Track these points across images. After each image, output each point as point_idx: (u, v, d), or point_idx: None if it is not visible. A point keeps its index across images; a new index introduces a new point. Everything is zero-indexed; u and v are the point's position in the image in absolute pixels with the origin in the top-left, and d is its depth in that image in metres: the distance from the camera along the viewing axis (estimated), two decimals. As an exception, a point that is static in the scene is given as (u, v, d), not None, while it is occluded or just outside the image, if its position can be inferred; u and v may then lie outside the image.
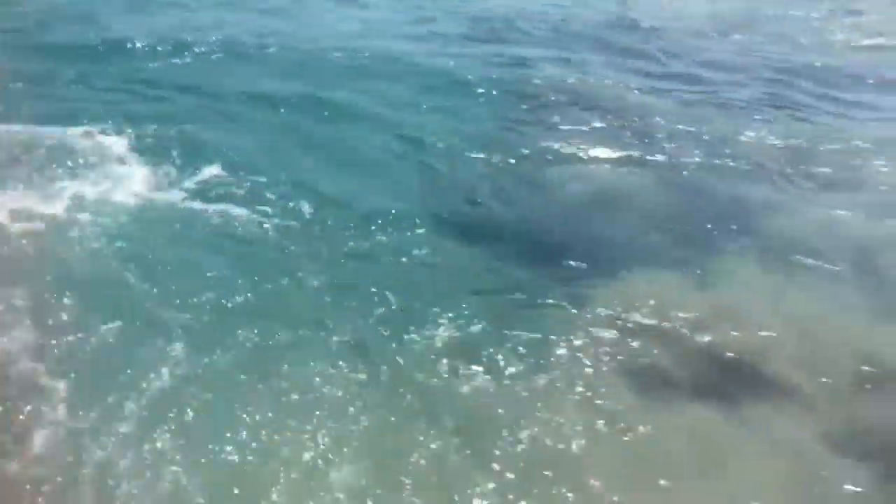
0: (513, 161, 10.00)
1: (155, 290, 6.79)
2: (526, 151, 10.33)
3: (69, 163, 8.80)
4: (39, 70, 11.77)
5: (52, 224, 7.62)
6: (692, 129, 11.45)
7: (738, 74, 14.84)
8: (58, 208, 7.82)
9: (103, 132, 9.67)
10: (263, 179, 8.81)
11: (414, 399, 5.84)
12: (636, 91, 13.10)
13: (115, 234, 7.55)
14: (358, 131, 10.56)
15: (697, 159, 10.49)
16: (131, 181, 8.56)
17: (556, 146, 10.55)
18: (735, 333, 6.76)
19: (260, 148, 9.78)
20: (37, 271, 6.85)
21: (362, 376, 6.00)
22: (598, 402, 5.90)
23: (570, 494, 5.15)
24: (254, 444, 5.31)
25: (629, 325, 6.80)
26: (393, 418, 5.67)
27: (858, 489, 5.30)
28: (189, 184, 8.64)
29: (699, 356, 6.54)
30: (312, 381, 5.90)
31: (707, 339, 6.71)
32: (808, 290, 7.52)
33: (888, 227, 8.94)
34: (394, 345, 6.36)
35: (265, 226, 7.96)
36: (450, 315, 6.71)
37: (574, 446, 5.49)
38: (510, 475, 5.25)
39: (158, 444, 5.21)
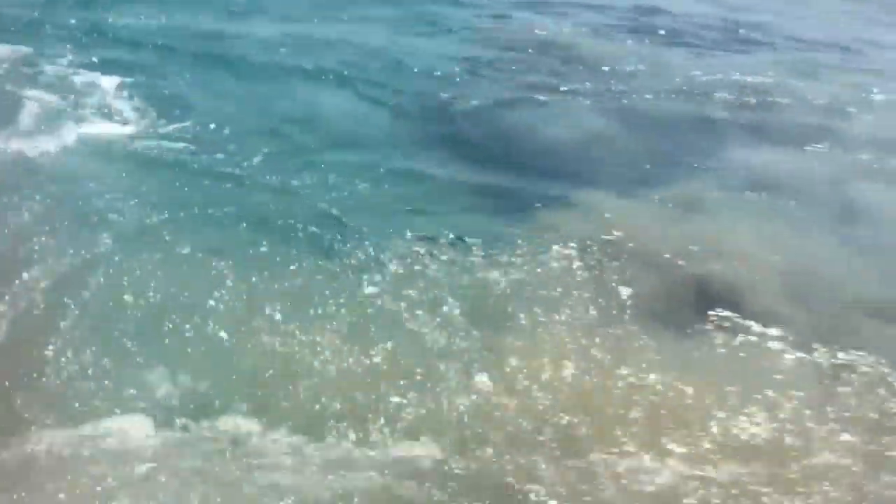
0: (484, 103, 10.05)
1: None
2: (497, 94, 10.40)
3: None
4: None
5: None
6: (657, 72, 11.65)
7: (700, 21, 15.21)
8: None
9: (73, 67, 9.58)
10: (232, 123, 8.61)
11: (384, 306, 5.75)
12: (603, 39, 13.30)
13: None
14: (331, 76, 10.48)
15: (663, 100, 10.67)
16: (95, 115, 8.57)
17: (527, 89, 10.64)
18: (707, 264, 6.69)
19: (234, 94, 9.65)
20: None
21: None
22: (569, 319, 5.81)
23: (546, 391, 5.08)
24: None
25: (598, 247, 6.79)
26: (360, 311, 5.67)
27: (840, 423, 5.18)
28: (155, 126, 8.44)
29: (667, 275, 6.53)
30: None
31: (679, 261, 6.71)
32: (776, 223, 7.56)
33: (852, 163, 9.14)
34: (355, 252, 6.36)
35: (219, 165, 7.73)
36: (406, 235, 6.68)
37: (547, 359, 5.37)
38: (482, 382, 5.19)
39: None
